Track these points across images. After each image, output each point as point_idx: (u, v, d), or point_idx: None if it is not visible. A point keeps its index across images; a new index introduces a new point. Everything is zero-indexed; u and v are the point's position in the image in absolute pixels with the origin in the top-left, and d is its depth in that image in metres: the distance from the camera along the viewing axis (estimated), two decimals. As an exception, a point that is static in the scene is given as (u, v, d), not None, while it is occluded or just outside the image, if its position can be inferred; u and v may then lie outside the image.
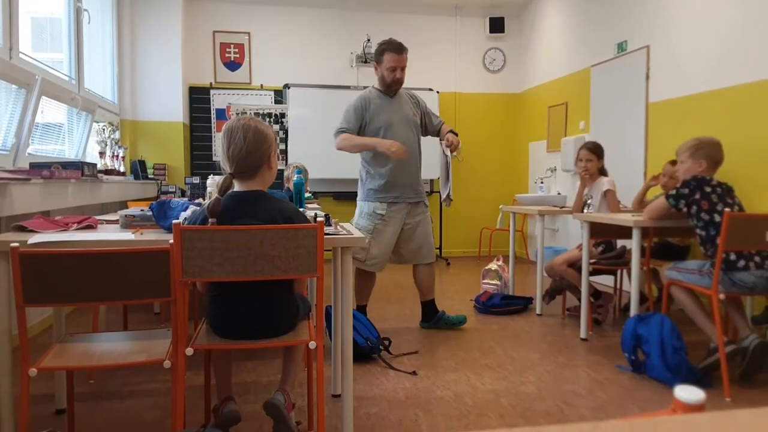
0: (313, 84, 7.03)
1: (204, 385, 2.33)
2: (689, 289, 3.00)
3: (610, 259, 3.99)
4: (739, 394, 2.72)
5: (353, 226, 3.07)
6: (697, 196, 2.90)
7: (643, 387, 2.86)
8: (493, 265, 4.87)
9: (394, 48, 3.72)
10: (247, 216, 1.96)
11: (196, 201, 2.68)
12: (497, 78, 7.70)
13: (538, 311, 4.35)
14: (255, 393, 2.73)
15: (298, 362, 2.25)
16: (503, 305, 4.38)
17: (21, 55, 3.66)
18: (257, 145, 1.98)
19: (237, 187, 2.04)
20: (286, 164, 6.35)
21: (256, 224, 1.91)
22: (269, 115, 6.94)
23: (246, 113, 6.86)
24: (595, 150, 4.06)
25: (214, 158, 6.83)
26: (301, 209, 3.24)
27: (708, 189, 2.90)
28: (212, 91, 6.90)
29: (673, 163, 3.97)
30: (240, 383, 2.84)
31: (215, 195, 1.96)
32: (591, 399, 2.70)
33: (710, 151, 2.99)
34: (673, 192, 2.99)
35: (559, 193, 5.71)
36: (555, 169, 6.51)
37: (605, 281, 4.83)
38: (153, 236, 2.14)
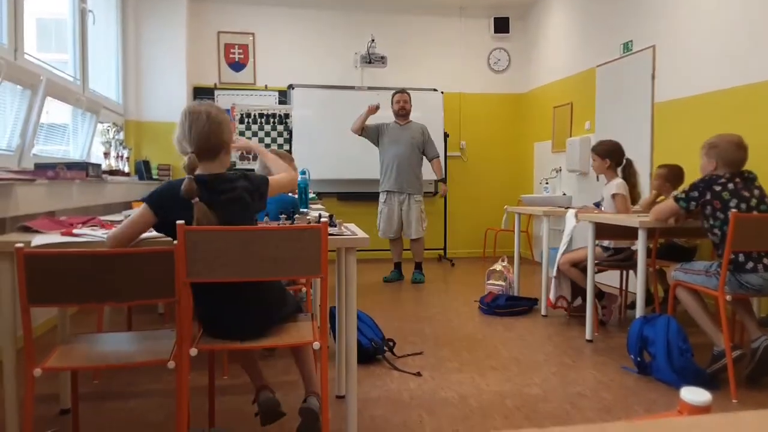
0: (317, 84, 7.04)
1: (208, 385, 2.33)
2: (695, 292, 2.99)
3: (617, 261, 3.97)
4: (746, 396, 2.70)
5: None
6: (708, 197, 2.87)
7: (648, 389, 2.84)
8: (497, 266, 4.85)
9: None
10: (225, 192, 1.98)
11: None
12: (502, 78, 7.69)
13: (543, 312, 4.34)
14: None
15: (311, 360, 2.24)
16: (508, 306, 4.37)
17: (26, 56, 3.68)
18: (219, 126, 2.01)
19: (200, 170, 1.97)
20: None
21: (236, 197, 1.97)
22: (273, 115, 6.94)
23: (250, 115, 6.88)
24: None
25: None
26: (303, 210, 3.25)
27: (718, 188, 2.85)
28: (216, 92, 6.91)
29: (661, 167, 4.05)
30: (245, 384, 2.83)
31: (186, 176, 1.91)
32: (596, 400, 2.69)
33: (723, 152, 2.91)
34: (683, 195, 2.96)
35: (564, 194, 5.70)
36: (560, 170, 6.49)
37: (610, 282, 4.82)
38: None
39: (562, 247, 4.08)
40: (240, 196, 2.00)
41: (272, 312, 2.08)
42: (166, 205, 1.92)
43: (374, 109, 5.45)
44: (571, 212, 4.05)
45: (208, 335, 2.02)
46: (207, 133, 1.97)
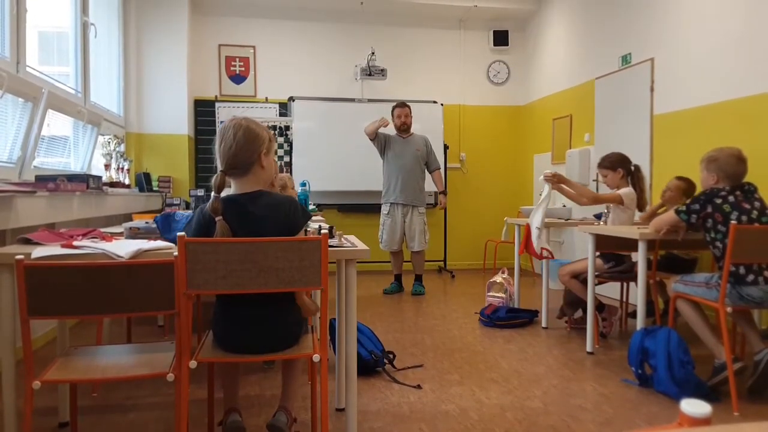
0: (317, 97, 7.06)
1: (208, 398, 2.32)
2: (695, 304, 2.98)
3: (617, 273, 3.96)
4: (747, 409, 2.69)
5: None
6: (709, 210, 2.87)
7: (649, 401, 2.83)
8: (498, 278, 4.84)
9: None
10: (249, 208, 1.98)
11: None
12: (501, 90, 7.72)
13: (543, 324, 4.33)
14: (259, 407, 2.72)
15: (298, 376, 2.24)
16: (508, 318, 4.36)
17: (28, 69, 3.69)
18: (247, 143, 1.99)
19: (233, 187, 2.04)
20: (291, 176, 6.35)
21: (258, 216, 1.96)
22: (274, 127, 6.96)
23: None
24: None
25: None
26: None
27: (719, 201, 2.85)
28: (217, 104, 6.94)
29: (680, 179, 3.96)
30: (244, 396, 2.82)
31: (213, 195, 1.97)
32: (597, 413, 2.68)
33: (724, 165, 2.91)
34: (684, 208, 2.96)
35: (564, 206, 5.69)
36: (560, 182, 6.49)
37: (611, 294, 4.81)
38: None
39: (537, 209, 4.00)
40: (265, 217, 1.99)
41: (291, 329, 2.08)
42: (206, 225, 1.97)
43: (386, 123, 5.58)
44: (541, 178, 4.00)
45: (220, 347, 2.02)
46: (234, 152, 1.98)
